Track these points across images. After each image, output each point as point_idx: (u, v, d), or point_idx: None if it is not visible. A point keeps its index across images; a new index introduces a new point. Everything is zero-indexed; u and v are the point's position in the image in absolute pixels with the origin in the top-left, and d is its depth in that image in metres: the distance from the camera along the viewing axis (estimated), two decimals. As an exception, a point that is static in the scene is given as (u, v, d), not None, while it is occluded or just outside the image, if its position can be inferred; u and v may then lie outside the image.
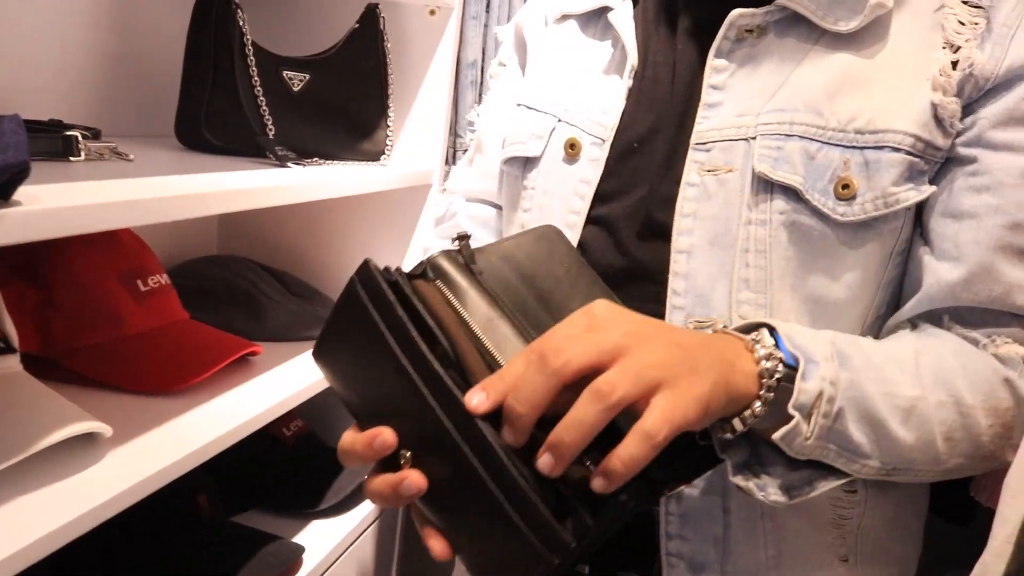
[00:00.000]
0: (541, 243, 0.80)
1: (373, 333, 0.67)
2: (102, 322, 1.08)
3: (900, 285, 0.87)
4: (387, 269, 0.71)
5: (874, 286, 0.84)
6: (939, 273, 0.82)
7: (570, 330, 0.65)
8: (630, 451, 0.61)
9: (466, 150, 1.18)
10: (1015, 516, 0.72)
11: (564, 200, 0.91)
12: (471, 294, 0.73)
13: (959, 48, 0.82)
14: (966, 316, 0.83)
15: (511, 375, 0.64)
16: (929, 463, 0.78)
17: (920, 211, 0.85)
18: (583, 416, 0.62)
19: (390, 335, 0.66)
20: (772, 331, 0.73)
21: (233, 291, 1.34)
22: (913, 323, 0.85)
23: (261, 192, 0.98)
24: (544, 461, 0.62)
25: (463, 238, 0.76)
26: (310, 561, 1.26)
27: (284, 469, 1.41)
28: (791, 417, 0.70)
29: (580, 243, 0.89)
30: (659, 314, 0.84)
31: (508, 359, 0.68)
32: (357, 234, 1.55)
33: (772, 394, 0.70)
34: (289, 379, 1.17)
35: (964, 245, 0.81)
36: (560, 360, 0.63)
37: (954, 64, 0.81)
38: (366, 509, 1.44)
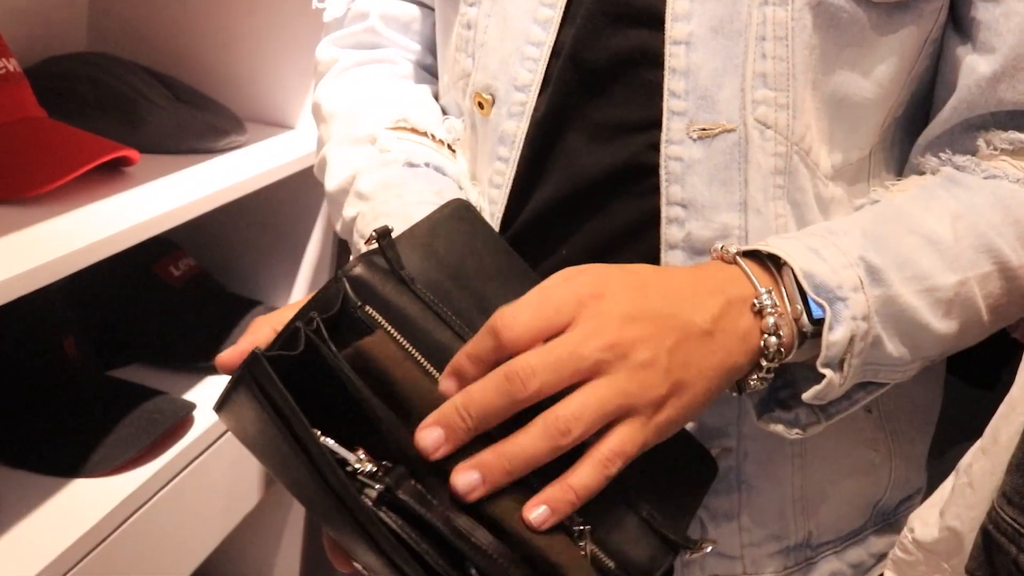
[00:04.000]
0: (458, 226, 0.77)
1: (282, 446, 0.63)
2: (-68, 114, 1.03)
3: (927, 81, 0.85)
4: (294, 333, 0.66)
5: (903, 81, 0.83)
6: (978, 69, 0.80)
7: (544, 321, 0.67)
8: (583, 480, 0.65)
9: None
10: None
11: None
12: (410, 313, 0.70)
13: None
14: (1008, 122, 0.82)
15: (472, 404, 0.65)
16: (974, 338, 0.81)
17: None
18: (532, 449, 0.64)
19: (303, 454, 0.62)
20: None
21: (104, 94, 1.29)
22: (939, 157, 0.83)
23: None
24: (465, 479, 0.64)
25: (384, 235, 0.72)
26: (203, 421, 1.24)
27: (171, 316, 1.38)
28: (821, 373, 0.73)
29: (555, 48, 0.84)
30: (653, 121, 0.80)
31: None
32: (257, 33, 1.49)
33: (779, 361, 0.72)
34: (170, 194, 1.13)
35: (1007, 33, 0.79)
36: (530, 389, 0.64)
37: None
38: (272, 365, 1.41)
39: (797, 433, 0.76)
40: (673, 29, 0.80)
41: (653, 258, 0.82)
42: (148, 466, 1.14)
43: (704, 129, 0.80)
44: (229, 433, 1.28)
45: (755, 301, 0.72)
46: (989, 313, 0.79)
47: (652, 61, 0.81)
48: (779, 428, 0.76)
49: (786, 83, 0.79)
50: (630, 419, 0.66)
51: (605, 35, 0.82)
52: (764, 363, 0.71)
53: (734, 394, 0.75)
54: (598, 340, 0.66)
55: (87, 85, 1.29)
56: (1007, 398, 0.73)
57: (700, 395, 0.69)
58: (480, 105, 0.87)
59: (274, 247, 1.54)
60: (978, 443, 0.74)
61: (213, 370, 1.36)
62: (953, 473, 0.76)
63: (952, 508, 0.75)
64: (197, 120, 1.31)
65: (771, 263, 0.74)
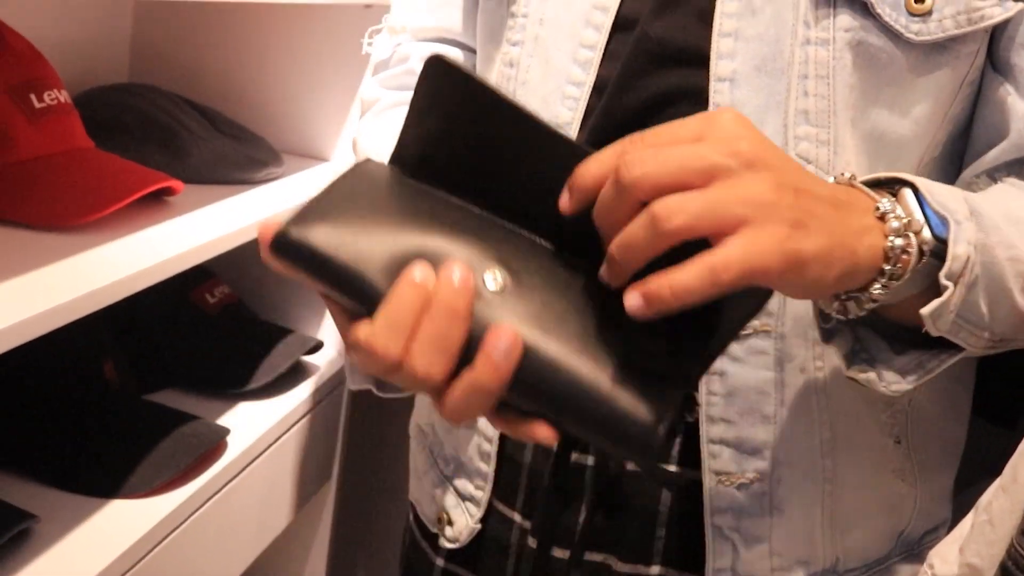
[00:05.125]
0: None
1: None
2: (-13, 143, 1.06)
3: (963, 122, 0.88)
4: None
5: (939, 121, 0.85)
6: None
7: (671, 134, 0.65)
8: (684, 279, 0.60)
9: None
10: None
11: (572, 31, 0.88)
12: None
13: None
14: None
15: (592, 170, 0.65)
16: None
17: (993, 42, 0.85)
18: (631, 237, 0.62)
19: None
20: (913, 189, 0.73)
21: (148, 124, 1.32)
22: (994, 178, 0.85)
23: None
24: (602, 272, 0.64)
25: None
26: (236, 446, 1.27)
27: (207, 342, 1.41)
28: (937, 289, 0.71)
29: (595, 85, 0.86)
30: None
31: None
32: (294, 67, 1.52)
33: (896, 279, 0.70)
34: (211, 224, 1.16)
35: None
36: (633, 175, 0.62)
37: None
38: (303, 393, 1.44)
39: (884, 387, 0.76)
40: (718, 67, 0.82)
41: None
42: (183, 489, 1.15)
43: None
44: (261, 458, 1.31)
45: (878, 206, 0.70)
46: None
47: (694, 98, 0.83)
48: (872, 376, 0.75)
49: (827, 120, 0.81)
50: (754, 231, 0.61)
51: (647, 75, 0.85)
52: (887, 267, 0.69)
53: (836, 308, 0.72)
54: (723, 147, 0.63)
55: (132, 116, 1.32)
56: (1025, 440, 0.75)
57: (832, 248, 0.65)
58: None
59: (306, 277, 1.56)
60: (998, 481, 0.76)
61: (245, 396, 1.39)
62: (973, 510, 0.78)
63: (972, 545, 0.76)
64: (237, 152, 1.34)
65: (886, 188, 0.74)
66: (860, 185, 0.72)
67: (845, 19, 0.80)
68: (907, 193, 0.72)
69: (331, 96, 1.51)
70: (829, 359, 0.85)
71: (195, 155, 1.30)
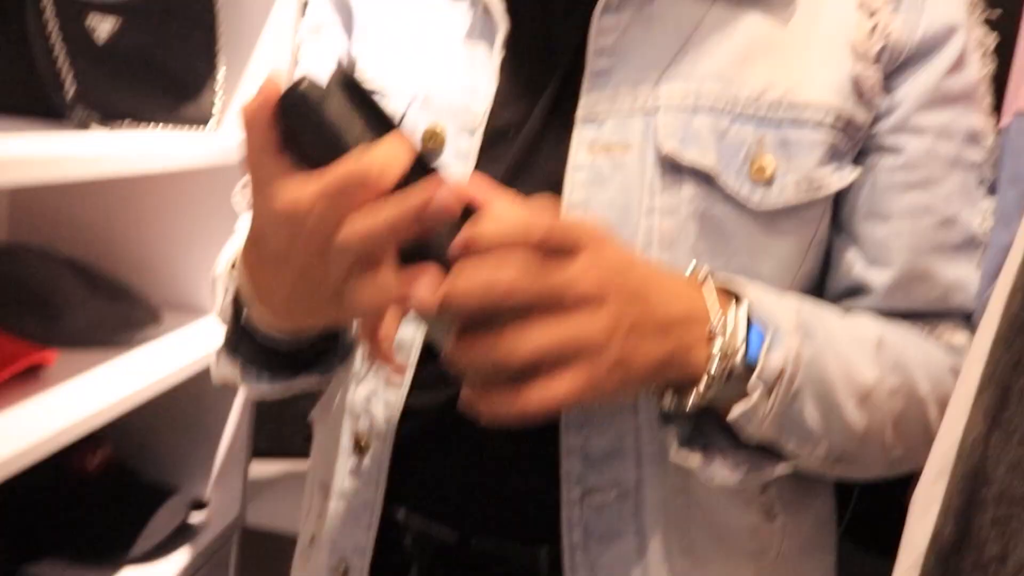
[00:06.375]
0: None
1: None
2: None
3: (815, 279, 0.90)
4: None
5: (789, 280, 0.87)
6: (874, 282, 0.87)
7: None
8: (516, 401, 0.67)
9: None
10: (922, 539, 0.74)
11: None
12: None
13: (875, 13, 0.86)
14: (904, 316, 0.88)
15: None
16: (875, 453, 0.83)
17: (837, 207, 0.88)
18: (479, 351, 0.67)
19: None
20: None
21: (22, 290, 1.30)
22: None
23: (52, 162, 0.94)
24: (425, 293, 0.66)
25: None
26: (119, 618, 1.23)
27: (87, 507, 1.37)
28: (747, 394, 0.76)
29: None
30: None
31: None
32: (178, 219, 1.52)
33: (713, 385, 0.75)
34: (89, 394, 1.13)
35: (897, 251, 0.87)
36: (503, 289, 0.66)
37: (872, 30, 0.85)
38: (187, 555, 1.41)
39: (707, 476, 0.78)
40: None
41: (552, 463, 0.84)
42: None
43: None
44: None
45: (710, 327, 0.75)
46: (892, 428, 0.82)
47: None
48: (696, 458, 0.78)
49: None
50: (574, 373, 0.68)
51: None
52: (705, 377, 0.74)
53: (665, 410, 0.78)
54: (581, 274, 0.68)
55: (4, 282, 1.30)
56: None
57: (661, 363, 0.72)
58: None
59: (189, 433, 1.54)
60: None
61: (130, 562, 1.35)
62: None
63: None
64: (114, 314, 1.32)
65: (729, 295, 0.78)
66: (708, 290, 0.77)
67: (689, 191, 0.82)
68: (742, 309, 0.77)
69: (211, 250, 1.51)
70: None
71: (69, 320, 1.28)
